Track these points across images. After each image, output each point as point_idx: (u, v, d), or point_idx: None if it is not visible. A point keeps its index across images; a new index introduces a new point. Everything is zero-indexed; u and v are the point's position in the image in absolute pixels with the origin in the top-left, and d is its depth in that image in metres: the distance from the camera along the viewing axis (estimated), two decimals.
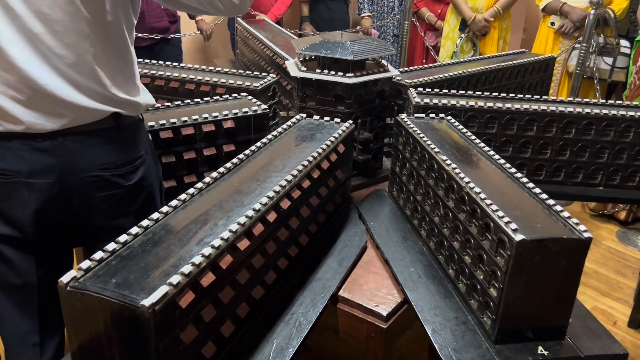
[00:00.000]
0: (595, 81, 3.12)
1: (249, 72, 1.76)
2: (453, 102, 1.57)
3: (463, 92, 1.68)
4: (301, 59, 1.69)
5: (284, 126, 1.41)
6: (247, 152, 1.24)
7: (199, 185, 1.07)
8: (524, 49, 2.46)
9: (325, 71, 1.56)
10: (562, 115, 1.60)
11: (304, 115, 1.50)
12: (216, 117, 1.40)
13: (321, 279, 1.20)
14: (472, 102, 1.58)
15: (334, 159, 1.32)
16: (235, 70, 1.77)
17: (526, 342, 1.02)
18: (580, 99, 1.71)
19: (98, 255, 0.83)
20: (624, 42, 3.12)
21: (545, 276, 0.97)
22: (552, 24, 3.27)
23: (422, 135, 1.33)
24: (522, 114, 1.59)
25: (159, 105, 1.47)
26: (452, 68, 2.00)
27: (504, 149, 1.64)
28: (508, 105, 1.59)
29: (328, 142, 1.30)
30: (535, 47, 3.42)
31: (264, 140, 1.31)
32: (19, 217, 1.05)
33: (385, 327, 1.15)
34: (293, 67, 1.63)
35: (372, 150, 1.72)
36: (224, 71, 1.77)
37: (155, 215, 0.95)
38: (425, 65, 2.05)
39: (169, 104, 1.49)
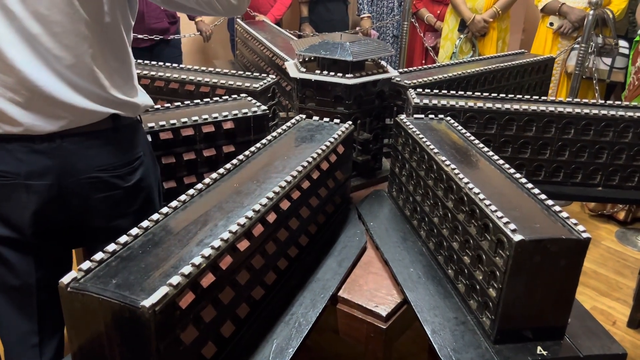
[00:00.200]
0: (594, 82, 3.13)
1: (249, 73, 1.77)
2: (452, 102, 1.58)
3: (462, 92, 1.68)
4: (300, 60, 1.69)
5: (284, 127, 1.42)
6: (246, 153, 1.24)
7: (199, 186, 1.07)
8: (523, 50, 2.46)
9: (325, 72, 1.56)
10: (561, 116, 1.60)
11: (304, 116, 1.51)
12: (216, 118, 1.40)
13: (321, 280, 1.21)
14: (471, 103, 1.59)
15: (334, 159, 1.33)
16: (234, 72, 1.78)
17: (525, 342, 1.02)
18: (579, 100, 1.71)
19: (98, 256, 0.83)
20: (622, 43, 3.13)
21: (544, 276, 0.97)
22: (551, 24, 3.28)
23: (421, 136, 1.33)
24: (521, 115, 1.60)
25: (158, 106, 1.48)
26: (451, 69, 2.00)
27: (503, 150, 1.64)
28: (507, 105, 1.59)
29: (327, 143, 1.31)
30: (534, 48, 3.43)
31: (264, 141, 1.31)
32: (18, 219, 1.05)
33: (384, 327, 1.15)
34: (292, 68, 1.63)
35: (372, 151, 1.72)
36: (224, 72, 1.77)
37: (155, 216, 0.95)
38: (425, 66, 2.05)
39: (168, 105, 1.49)
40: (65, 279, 0.79)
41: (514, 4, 3.36)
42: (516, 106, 1.59)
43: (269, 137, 1.33)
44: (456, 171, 1.15)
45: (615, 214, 3.12)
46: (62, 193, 1.05)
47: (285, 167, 1.19)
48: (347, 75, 1.54)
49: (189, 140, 1.38)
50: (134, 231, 0.90)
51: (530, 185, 1.12)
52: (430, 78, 1.84)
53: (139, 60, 1.83)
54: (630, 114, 1.61)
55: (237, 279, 0.95)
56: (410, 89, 1.66)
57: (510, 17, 3.47)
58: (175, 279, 0.78)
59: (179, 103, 1.51)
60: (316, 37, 1.73)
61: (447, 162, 1.19)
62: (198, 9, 1.13)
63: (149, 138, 1.29)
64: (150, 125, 1.31)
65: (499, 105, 1.59)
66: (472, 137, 1.36)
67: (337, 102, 1.57)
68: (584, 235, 0.96)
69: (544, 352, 1.00)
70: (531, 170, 1.68)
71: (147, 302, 0.74)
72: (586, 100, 1.70)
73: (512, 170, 1.18)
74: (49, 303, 1.12)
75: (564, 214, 1.01)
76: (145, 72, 1.73)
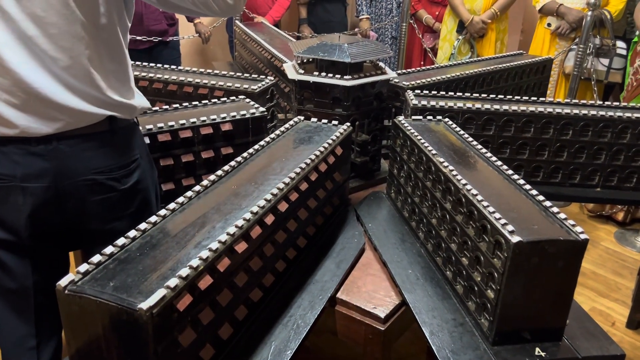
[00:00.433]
0: (592, 82, 3.13)
1: (247, 75, 1.77)
2: (450, 104, 1.58)
3: (460, 94, 1.69)
4: (299, 62, 1.69)
5: (282, 129, 1.42)
6: (245, 154, 1.24)
7: (197, 188, 1.07)
8: (521, 51, 2.47)
9: (323, 74, 1.56)
10: (560, 117, 1.61)
11: (302, 118, 1.51)
12: (214, 120, 1.40)
13: (319, 281, 1.21)
14: (469, 104, 1.59)
15: (332, 161, 1.33)
16: (233, 73, 1.78)
17: (524, 343, 1.02)
18: (577, 101, 1.72)
19: (96, 258, 0.83)
20: (620, 44, 3.13)
21: (542, 278, 0.97)
22: (549, 25, 3.28)
23: (419, 137, 1.33)
24: (520, 116, 1.60)
25: (157, 108, 1.48)
26: (449, 70, 2.01)
27: (502, 151, 1.64)
28: (505, 107, 1.60)
29: (326, 145, 1.31)
30: (532, 48, 3.43)
31: (262, 142, 1.31)
32: (14, 221, 1.05)
33: (383, 329, 1.15)
34: (291, 70, 1.63)
35: (370, 153, 1.72)
36: (222, 74, 1.77)
37: (153, 219, 0.95)
38: (423, 67, 2.05)
39: (167, 106, 1.49)
40: (63, 282, 0.79)
41: (513, 5, 3.36)
42: (514, 107, 1.59)
43: (267, 139, 1.33)
44: (454, 173, 1.15)
45: (614, 215, 3.12)
46: (58, 195, 1.05)
47: (284, 168, 1.19)
48: (345, 77, 1.54)
49: (187, 142, 1.38)
50: (132, 233, 0.90)
51: (528, 187, 1.12)
52: (428, 79, 1.84)
53: (138, 62, 1.83)
54: (628, 114, 1.62)
55: (235, 281, 0.95)
56: (408, 90, 1.67)
57: (508, 18, 3.47)
58: (172, 282, 0.78)
59: (178, 105, 1.51)
60: (314, 38, 1.73)
61: (445, 164, 1.19)
62: (194, 10, 1.13)
63: (147, 140, 1.29)
64: (148, 127, 1.31)
65: (497, 107, 1.59)
66: (470, 139, 1.36)
67: (336, 103, 1.57)
68: (582, 236, 0.96)
69: (542, 354, 1.00)
70: (530, 171, 1.68)
71: (144, 305, 0.74)
72: (584, 102, 1.71)
73: (510, 172, 1.18)
74: (46, 306, 1.11)
75: (562, 215, 1.02)
76: (143, 73, 1.73)
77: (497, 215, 0.99)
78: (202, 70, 1.80)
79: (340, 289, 1.22)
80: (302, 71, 1.59)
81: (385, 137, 1.78)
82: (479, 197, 1.05)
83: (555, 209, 1.04)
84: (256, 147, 1.28)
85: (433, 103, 1.56)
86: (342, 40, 1.62)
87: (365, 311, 1.17)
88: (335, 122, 1.47)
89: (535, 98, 1.71)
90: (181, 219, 0.98)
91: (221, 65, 3.23)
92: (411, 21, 3.64)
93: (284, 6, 3.71)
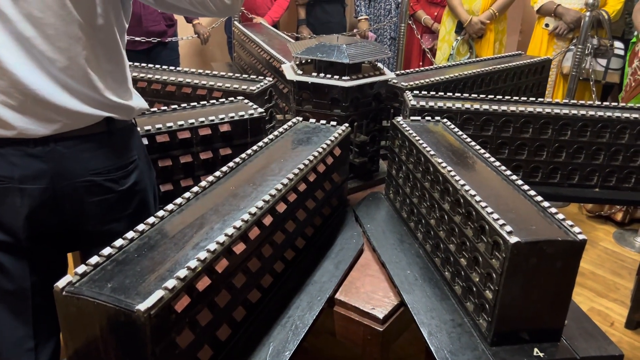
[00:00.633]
0: (591, 83, 3.14)
1: (246, 76, 1.77)
2: (449, 104, 1.58)
3: (459, 94, 1.69)
4: (297, 63, 1.69)
5: (281, 129, 1.42)
6: (243, 155, 1.24)
7: (195, 189, 1.07)
8: (520, 51, 2.47)
9: (322, 74, 1.56)
10: (558, 117, 1.61)
11: (300, 119, 1.51)
12: (212, 120, 1.40)
13: (318, 282, 1.20)
14: (467, 105, 1.59)
15: (330, 162, 1.33)
16: (231, 74, 1.78)
17: (522, 344, 1.02)
18: (576, 101, 1.72)
19: (94, 259, 0.83)
20: (617, 44, 3.13)
21: (541, 278, 0.97)
22: (547, 25, 3.29)
23: (418, 138, 1.33)
24: (518, 116, 1.60)
25: (155, 109, 1.48)
26: (448, 70, 2.01)
27: (500, 151, 1.64)
28: (504, 107, 1.60)
29: (324, 145, 1.31)
30: (530, 49, 3.43)
31: (260, 143, 1.31)
32: (12, 223, 1.05)
33: (381, 329, 1.15)
34: (289, 71, 1.63)
35: (369, 153, 1.72)
36: (221, 75, 1.77)
37: (151, 220, 0.95)
38: (422, 68, 2.05)
39: (165, 107, 1.49)
40: (61, 283, 0.79)
41: (512, 5, 3.36)
42: (513, 108, 1.59)
43: (265, 140, 1.33)
44: (452, 173, 1.15)
45: (613, 215, 3.13)
46: (56, 197, 1.05)
47: (282, 169, 1.19)
48: (343, 78, 1.54)
49: (186, 143, 1.38)
50: (130, 235, 0.90)
51: (526, 187, 1.12)
52: (427, 80, 1.84)
53: (136, 63, 1.83)
54: (627, 115, 1.62)
55: (233, 282, 0.95)
56: (407, 91, 1.67)
57: (507, 18, 3.48)
58: (170, 283, 0.78)
59: (176, 106, 1.51)
60: (313, 39, 1.73)
61: (444, 164, 1.19)
62: (192, 10, 1.13)
63: (146, 141, 1.29)
64: (147, 127, 1.31)
65: (495, 107, 1.59)
66: (469, 139, 1.36)
67: (334, 104, 1.57)
68: (580, 236, 0.96)
69: (541, 354, 1.00)
70: (528, 172, 1.68)
71: (142, 306, 0.73)
72: (583, 102, 1.71)
73: (508, 172, 1.18)
74: (44, 307, 1.11)
75: (560, 216, 1.02)
76: (142, 74, 1.73)
77: (496, 215, 0.99)
78: (201, 71, 1.80)
79: (338, 289, 1.22)
80: (301, 72, 1.59)
81: (384, 138, 1.78)
82: (477, 198, 1.05)
83: (553, 210, 1.04)
84: (254, 148, 1.28)
85: (432, 104, 1.56)
86: (340, 41, 1.62)
87: (363, 312, 1.17)
88: (334, 123, 1.47)
89: (534, 99, 1.71)
90: (179, 220, 0.97)
91: (220, 66, 3.23)
92: (410, 22, 3.65)
93: (283, 7, 3.71)
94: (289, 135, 1.40)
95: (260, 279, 1.06)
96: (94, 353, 0.80)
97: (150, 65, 1.85)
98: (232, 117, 1.43)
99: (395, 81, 1.79)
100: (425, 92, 1.67)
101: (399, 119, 1.47)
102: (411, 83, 1.79)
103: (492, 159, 1.25)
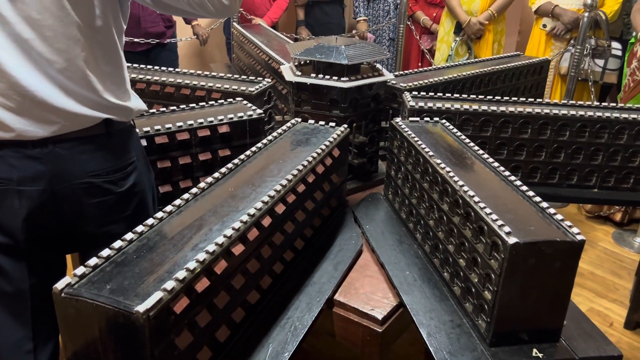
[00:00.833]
0: (589, 83, 3.14)
1: (245, 77, 1.77)
2: (448, 105, 1.58)
3: (458, 95, 1.69)
4: (296, 64, 1.69)
5: (279, 130, 1.42)
6: (242, 156, 1.24)
7: (194, 190, 1.07)
8: (518, 52, 2.47)
9: (320, 75, 1.56)
10: (557, 118, 1.61)
11: (299, 120, 1.51)
12: (211, 122, 1.40)
13: (317, 283, 1.20)
14: (466, 106, 1.59)
15: (329, 163, 1.33)
16: (230, 75, 1.78)
17: (521, 344, 1.02)
18: (574, 102, 1.72)
19: (92, 261, 0.83)
20: (615, 44, 3.14)
21: (539, 279, 0.97)
22: (544, 26, 3.29)
23: (416, 138, 1.33)
24: (517, 117, 1.60)
25: (154, 110, 1.48)
26: (447, 71, 2.01)
27: (499, 152, 1.64)
28: (502, 108, 1.60)
29: (323, 146, 1.31)
30: (529, 49, 3.44)
31: (259, 144, 1.31)
32: (10, 225, 1.05)
33: (380, 330, 1.15)
34: (288, 72, 1.63)
35: (368, 154, 1.73)
36: (220, 76, 1.77)
37: (149, 221, 0.95)
38: (421, 69, 2.05)
39: (164, 109, 1.49)
40: (59, 285, 0.79)
41: (510, 6, 3.37)
42: (511, 108, 1.60)
43: (264, 141, 1.33)
44: (451, 174, 1.15)
45: (612, 216, 3.13)
46: (54, 198, 1.05)
47: (281, 170, 1.19)
48: (342, 79, 1.54)
49: (185, 144, 1.38)
50: (129, 236, 0.90)
51: (525, 188, 1.12)
52: (426, 81, 1.84)
53: (135, 64, 1.83)
54: (625, 115, 1.62)
55: (232, 283, 0.95)
56: (405, 92, 1.67)
57: (506, 19, 3.48)
58: (169, 284, 0.78)
59: (175, 107, 1.51)
60: (312, 40, 1.73)
61: (442, 165, 1.19)
62: (190, 11, 1.13)
63: (145, 142, 1.29)
64: (145, 129, 1.31)
65: (494, 108, 1.60)
66: (468, 140, 1.36)
67: (333, 105, 1.57)
68: (579, 237, 0.96)
69: (540, 355, 1.00)
70: (527, 173, 1.68)
71: (141, 308, 0.73)
72: (581, 102, 1.71)
73: (507, 173, 1.18)
74: (43, 309, 1.11)
75: (559, 216, 1.02)
76: (141, 76, 1.73)
77: (494, 216, 0.99)
78: (200, 72, 1.80)
79: (337, 290, 1.22)
80: (300, 73, 1.60)
81: (383, 139, 1.78)
82: (476, 199, 1.05)
83: (552, 210, 1.04)
84: (253, 149, 1.28)
85: (430, 104, 1.56)
86: (339, 42, 1.62)
87: (363, 313, 1.17)
88: (333, 124, 1.47)
89: (533, 99, 1.71)
90: (178, 221, 0.97)
91: (219, 67, 3.23)
92: (409, 23, 3.65)
93: (282, 8, 3.72)
94: (288, 137, 1.40)
95: (259, 280, 1.06)
96: (93, 355, 0.80)
97: (149, 66, 1.85)
98: (231, 118, 1.43)
99: (394, 82, 1.79)
100: (424, 93, 1.67)
101: (398, 119, 1.47)
102: (410, 84, 1.80)
103: (491, 159, 1.25)
